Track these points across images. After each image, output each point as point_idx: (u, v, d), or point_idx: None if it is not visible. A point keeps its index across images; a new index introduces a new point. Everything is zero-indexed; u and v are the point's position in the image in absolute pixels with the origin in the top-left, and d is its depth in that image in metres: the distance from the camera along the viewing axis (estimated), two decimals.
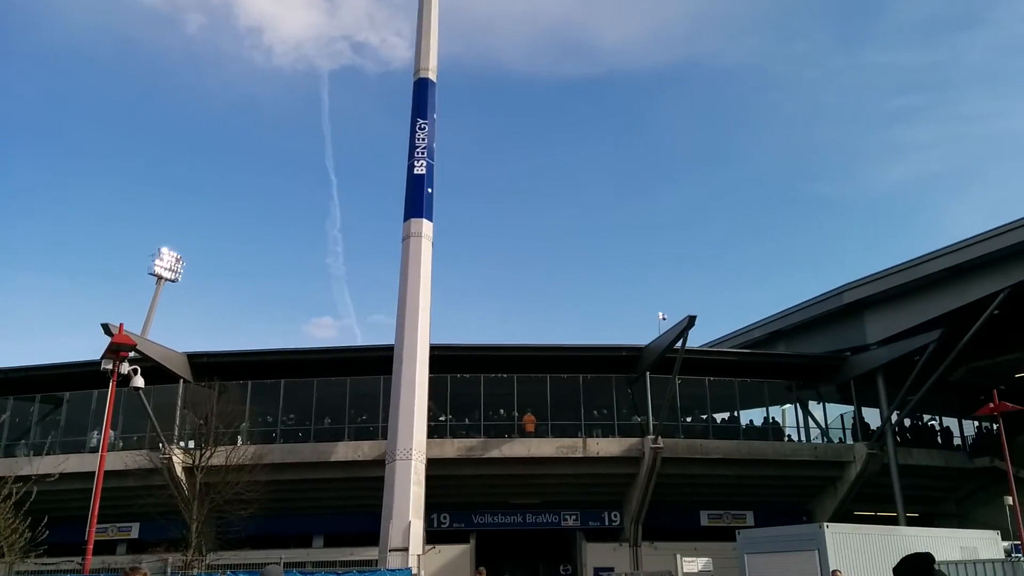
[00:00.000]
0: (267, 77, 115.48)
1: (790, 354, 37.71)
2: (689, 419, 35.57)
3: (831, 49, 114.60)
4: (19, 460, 30.76)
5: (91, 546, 22.04)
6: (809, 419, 36.48)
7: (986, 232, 29.91)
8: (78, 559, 24.22)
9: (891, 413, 33.69)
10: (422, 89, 31.58)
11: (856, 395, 35.03)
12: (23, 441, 34.53)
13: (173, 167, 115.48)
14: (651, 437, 30.89)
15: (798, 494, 34.63)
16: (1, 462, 30.46)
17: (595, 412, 33.58)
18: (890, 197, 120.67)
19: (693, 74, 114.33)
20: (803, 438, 35.52)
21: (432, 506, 29.06)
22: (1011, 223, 29.02)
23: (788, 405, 36.46)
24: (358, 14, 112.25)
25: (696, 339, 35.18)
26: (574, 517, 32.74)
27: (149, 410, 29.85)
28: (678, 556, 25.76)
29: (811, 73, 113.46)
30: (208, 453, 28.26)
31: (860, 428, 34.88)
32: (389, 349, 28.71)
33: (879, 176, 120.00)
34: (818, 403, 36.80)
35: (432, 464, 27.90)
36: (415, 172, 30.13)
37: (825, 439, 35.79)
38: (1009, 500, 26.91)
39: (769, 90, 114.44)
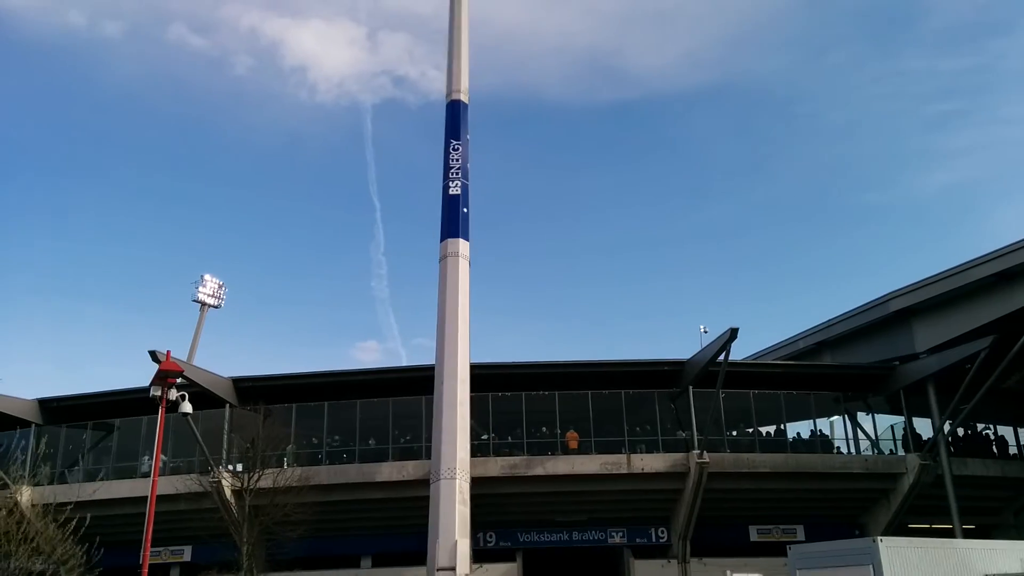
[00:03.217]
0: (312, 113, 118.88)
1: (836, 364, 37.04)
2: (734, 433, 35.02)
3: (866, 58, 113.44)
4: (73, 486, 31.48)
5: (146, 570, 22.42)
6: (858, 431, 35.71)
7: None
8: None
9: (943, 423, 32.84)
10: (454, 111, 31.88)
11: (906, 405, 34.23)
12: (77, 468, 35.31)
13: (218, 200, 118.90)
14: (696, 452, 30.52)
15: (849, 507, 33.88)
16: (56, 488, 31.11)
17: (638, 428, 33.29)
18: (934, 203, 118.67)
19: (728, 92, 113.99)
20: (853, 450, 34.80)
21: (477, 525, 29.01)
22: None
23: (836, 417, 35.80)
24: (398, 50, 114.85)
25: (739, 352, 34.85)
26: (621, 534, 32.40)
27: (197, 435, 30.31)
28: (728, 572, 25.35)
29: (846, 83, 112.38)
30: (256, 476, 28.66)
31: (912, 439, 34.05)
32: (430, 369, 28.84)
33: (921, 182, 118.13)
34: (867, 414, 35.99)
35: (476, 483, 27.88)
36: (450, 192, 30.36)
37: (875, 451, 34.96)
38: None
39: (805, 102, 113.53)
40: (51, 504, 23.13)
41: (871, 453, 34.68)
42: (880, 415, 36.06)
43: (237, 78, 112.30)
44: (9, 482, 28.37)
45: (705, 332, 33.94)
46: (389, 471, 31.26)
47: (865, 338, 36.57)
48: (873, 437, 35.67)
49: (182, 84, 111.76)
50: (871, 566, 21.49)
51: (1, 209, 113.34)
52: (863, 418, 36.01)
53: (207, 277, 60.79)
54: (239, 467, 30.90)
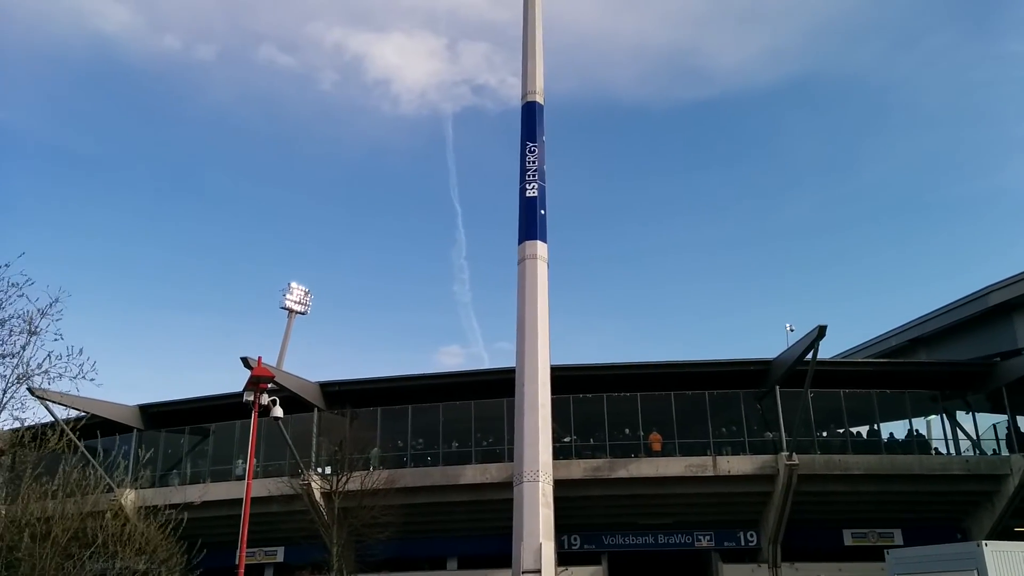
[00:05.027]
0: (394, 123, 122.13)
1: (933, 362, 35.61)
2: (825, 434, 34.02)
3: (963, 43, 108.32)
4: (172, 489, 32.86)
5: (242, 570, 23.17)
6: (958, 430, 34.17)
7: None
8: None
9: None
10: (530, 112, 31.91)
11: (1009, 403, 32.53)
12: (175, 471, 36.84)
13: (305, 210, 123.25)
14: (785, 453, 29.75)
15: (950, 511, 32.42)
16: (157, 491, 32.54)
17: (723, 429, 32.66)
18: None
19: (813, 85, 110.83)
20: (952, 451, 33.36)
21: (561, 527, 28.94)
22: None
23: (933, 416, 34.35)
24: (477, 59, 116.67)
25: (827, 351, 33.55)
26: (708, 537, 31.81)
27: (288, 438, 31.21)
28: None
29: (943, 70, 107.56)
30: (344, 478, 29.30)
31: (1016, 438, 32.34)
32: (511, 371, 28.93)
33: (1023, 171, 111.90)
34: (967, 413, 34.39)
35: (559, 485, 27.83)
36: (527, 195, 30.42)
37: (977, 451, 33.39)
38: None
39: (899, 91, 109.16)
40: (153, 507, 24.17)
41: (972, 454, 33.17)
42: (981, 414, 34.43)
43: (323, 93, 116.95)
44: (114, 485, 29.82)
45: (791, 331, 33.13)
46: (472, 473, 31.52)
47: (963, 334, 35.07)
48: (974, 437, 34.09)
49: (271, 101, 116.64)
50: (975, 571, 20.68)
51: (108, 222, 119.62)
52: (963, 417, 34.45)
53: (294, 285, 62.56)
54: (327, 470, 31.66)
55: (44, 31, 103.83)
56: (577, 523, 31.43)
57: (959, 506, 32.33)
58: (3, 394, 16.92)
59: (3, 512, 19.19)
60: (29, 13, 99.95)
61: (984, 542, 21.61)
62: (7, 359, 16.71)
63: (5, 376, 16.88)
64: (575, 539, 31.90)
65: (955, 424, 34.23)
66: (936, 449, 33.35)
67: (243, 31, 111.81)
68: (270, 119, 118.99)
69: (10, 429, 19.50)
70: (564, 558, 30.27)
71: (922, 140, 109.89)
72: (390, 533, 27.82)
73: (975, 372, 33.45)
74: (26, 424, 18.90)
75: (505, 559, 26.46)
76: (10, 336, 16.57)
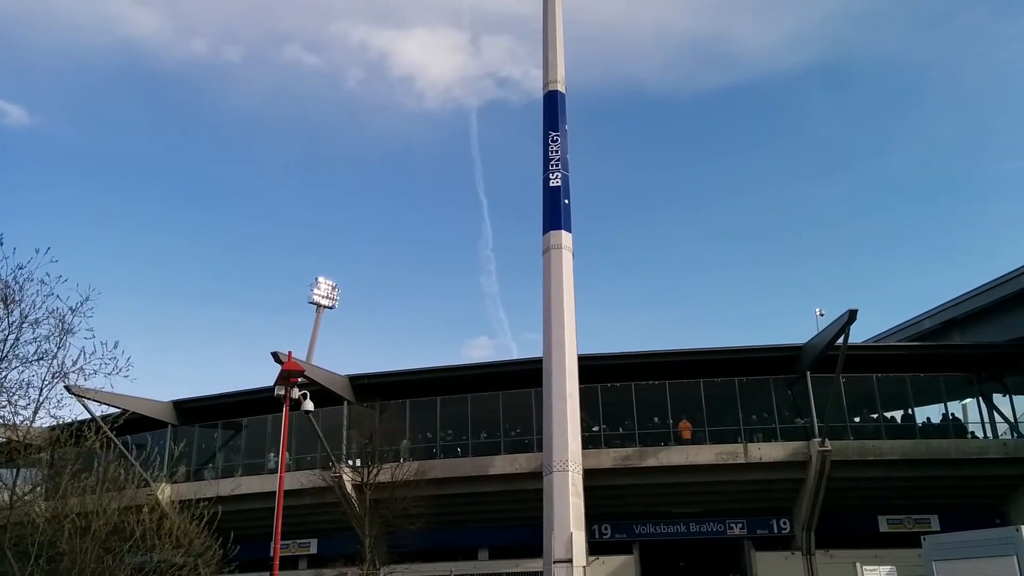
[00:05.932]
0: (419, 119, 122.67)
1: (967, 344, 34.93)
2: (857, 419, 33.61)
3: (999, 18, 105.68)
4: (208, 483, 33.29)
5: (277, 562, 23.45)
6: (994, 413, 33.58)
7: None
8: (266, 574, 25.78)
9: None
10: (552, 102, 31.77)
11: None
12: (209, 465, 37.36)
13: (331, 205, 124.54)
14: (817, 440, 29.43)
15: (988, 495, 31.89)
16: (191, 485, 32.97)
17: (754, 416, 32.39)
18: None
19: (842, 67, 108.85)
20: (989, 434, 32.77)
21: (592, 517, 28.92)
22: None
23: (969, 399, 33.77)
24: (500, 52, 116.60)
25: (857, 335, 33.08)
26: (740, 525, 31.63)
27: (319, 432, 31.49)
28: (858, 564, 24.42)
29: (980, 46, 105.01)
30: (375, 470, 29.53)
31: None
32: (539, 362, 28.94)
33: None
34: (1003, 395, 33.79)
35: (589, 475, 27.80)
36: (551, 185, 30.32)
37: (1015, 434, 32.78)
38: None
39: (928, 71, 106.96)
40: (188, 500, 24.53)
41: (1010, 437, 32.57)
42: (1018, 396, 33.80)
43: (348, 91, 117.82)
44: (150, 480, 30.27)
45: (821, 315, 32.71)
46: (502, 464, 31.59)
47: (998, 315, 34.30)
48: (1011, 420, 33.50)
49: (298, 101, 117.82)
50: (1015, 556, 20.31)
51: (136, 220, 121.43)
52: (999, 400, 33.86)
53: (321, 279, 63.25)
54: (358, 462, 31.92)
55: (73, 38, 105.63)
56: (608, 512, 31.40)
57: (997, 490, 31.81)
58: (40, 393, 17.15)
59: (43, 508, 19.55)
60: (58, 21, 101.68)
61: (1023, 527, 21.23)
62: (43, 360, 16.93)
63: (40, 375, 17.12)
64: (606, 528, 31.88)
65: (991, 407, 33.64)
66: (972, 433, 32.84)
67: (269, 32, 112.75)
68: (296, 118, 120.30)
69: (48, 427, 19.82)
70: (595, 547, 30.23)
71: (954, 120, 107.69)
72: (421, 524, 28.02)
73: (1011, 354, 32.78)
74: (62, 421, 19.17)
75: (536, 549, 26.54)
76: (44, 336, 16.78)
